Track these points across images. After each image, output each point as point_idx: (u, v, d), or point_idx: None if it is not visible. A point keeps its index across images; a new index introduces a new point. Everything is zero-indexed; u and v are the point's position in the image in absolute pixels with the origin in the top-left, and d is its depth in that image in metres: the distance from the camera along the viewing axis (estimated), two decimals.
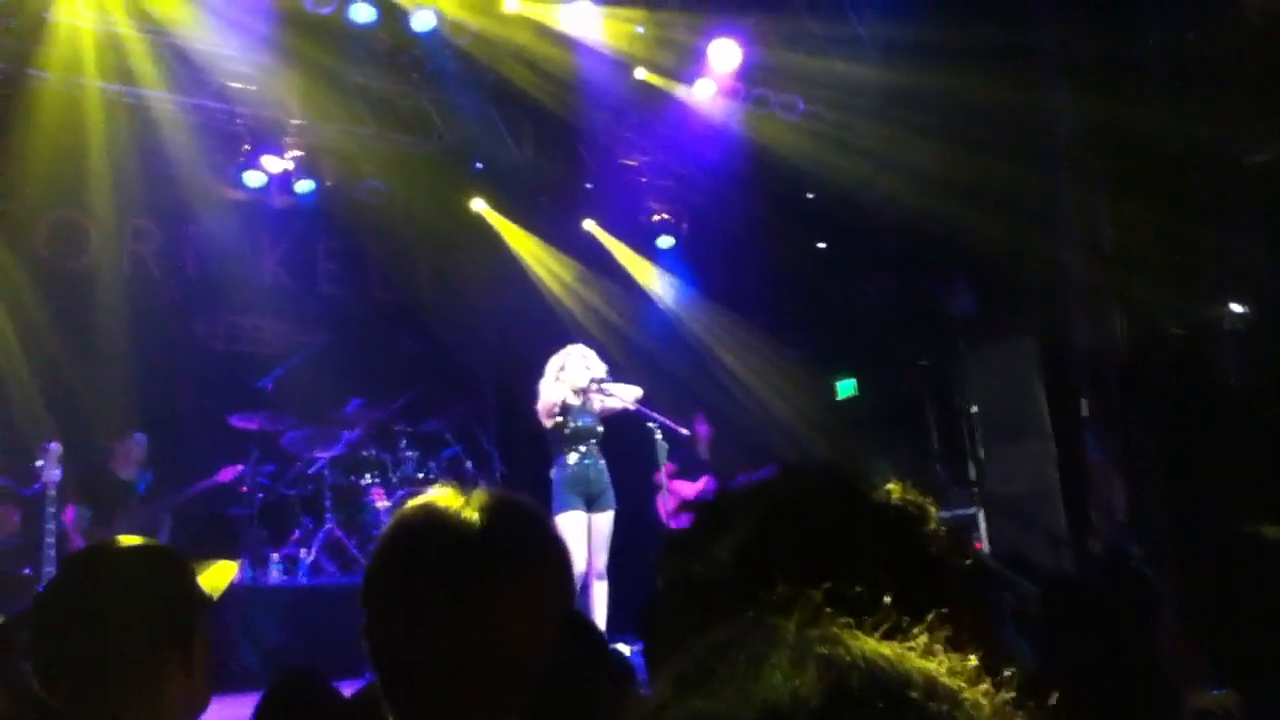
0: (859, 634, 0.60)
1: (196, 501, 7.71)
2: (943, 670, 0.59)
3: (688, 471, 8.25)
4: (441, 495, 1.36)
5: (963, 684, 0.58)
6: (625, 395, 6.56)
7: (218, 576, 1.84)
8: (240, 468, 7.84)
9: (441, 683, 1.28)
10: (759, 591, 0.65)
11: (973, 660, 0.61)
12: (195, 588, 1.77)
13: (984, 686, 0.59)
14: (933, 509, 0.85)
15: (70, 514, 6.99)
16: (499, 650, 1.27)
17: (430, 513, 1.34)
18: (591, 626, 1.89)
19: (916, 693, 0.56)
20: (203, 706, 1.77)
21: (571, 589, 1.42)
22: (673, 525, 8.01)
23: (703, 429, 8.24)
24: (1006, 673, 0.62)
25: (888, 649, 0.59)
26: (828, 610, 0.62)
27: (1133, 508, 6.51)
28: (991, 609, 0.88)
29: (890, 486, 0.85)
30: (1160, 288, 6.64)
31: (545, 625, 1.33)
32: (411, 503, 1.39)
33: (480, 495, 1.35)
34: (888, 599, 0.66)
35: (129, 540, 1.80)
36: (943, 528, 0.84)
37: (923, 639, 0.62)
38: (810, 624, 0.61)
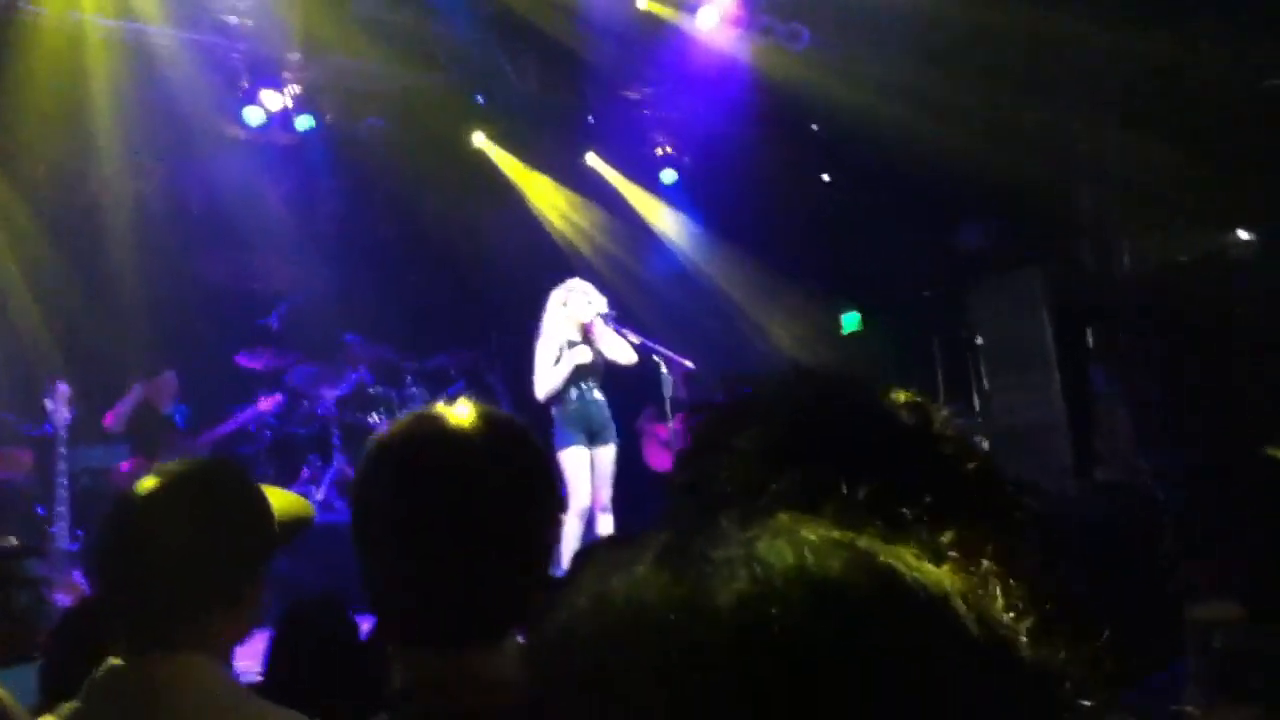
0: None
1: (220, 441, 7.76)
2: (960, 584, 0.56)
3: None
4: (429, 410, 1.35)
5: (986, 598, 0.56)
6: (620, 353, 6.50)
7: (291, 513, 1.78)
8: (275, 400, 7.81)
9: (433, 601, 1.24)
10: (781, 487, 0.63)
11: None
12: (270, 522, 1.72)
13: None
14: (939, 410, 0.84)
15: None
16: (496, 562, 1.25)
17: (421, 420, 1.33)
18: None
19: (957, 603, 0.53)
20: (246, 637, 1.77)
21: (561, 496, 1.41)
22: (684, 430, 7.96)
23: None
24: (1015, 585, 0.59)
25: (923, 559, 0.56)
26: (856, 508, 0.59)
27: (1138, 436, 6.53)
28: (1004, 513, 0.87)
29: (896, 393, 0.84)
30: (1168, 216, 6.59)
31: (542, 536, 1.32)
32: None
33: (468, 406, 1.34)
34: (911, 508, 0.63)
35: (205, 462, 1.75)
36: (951, 427, 0.83)
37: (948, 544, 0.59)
38: (843, 517, 0.57)
